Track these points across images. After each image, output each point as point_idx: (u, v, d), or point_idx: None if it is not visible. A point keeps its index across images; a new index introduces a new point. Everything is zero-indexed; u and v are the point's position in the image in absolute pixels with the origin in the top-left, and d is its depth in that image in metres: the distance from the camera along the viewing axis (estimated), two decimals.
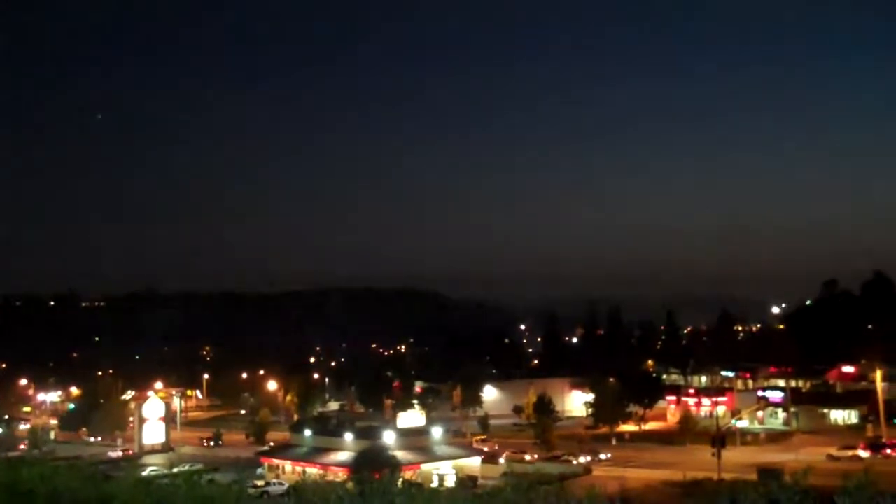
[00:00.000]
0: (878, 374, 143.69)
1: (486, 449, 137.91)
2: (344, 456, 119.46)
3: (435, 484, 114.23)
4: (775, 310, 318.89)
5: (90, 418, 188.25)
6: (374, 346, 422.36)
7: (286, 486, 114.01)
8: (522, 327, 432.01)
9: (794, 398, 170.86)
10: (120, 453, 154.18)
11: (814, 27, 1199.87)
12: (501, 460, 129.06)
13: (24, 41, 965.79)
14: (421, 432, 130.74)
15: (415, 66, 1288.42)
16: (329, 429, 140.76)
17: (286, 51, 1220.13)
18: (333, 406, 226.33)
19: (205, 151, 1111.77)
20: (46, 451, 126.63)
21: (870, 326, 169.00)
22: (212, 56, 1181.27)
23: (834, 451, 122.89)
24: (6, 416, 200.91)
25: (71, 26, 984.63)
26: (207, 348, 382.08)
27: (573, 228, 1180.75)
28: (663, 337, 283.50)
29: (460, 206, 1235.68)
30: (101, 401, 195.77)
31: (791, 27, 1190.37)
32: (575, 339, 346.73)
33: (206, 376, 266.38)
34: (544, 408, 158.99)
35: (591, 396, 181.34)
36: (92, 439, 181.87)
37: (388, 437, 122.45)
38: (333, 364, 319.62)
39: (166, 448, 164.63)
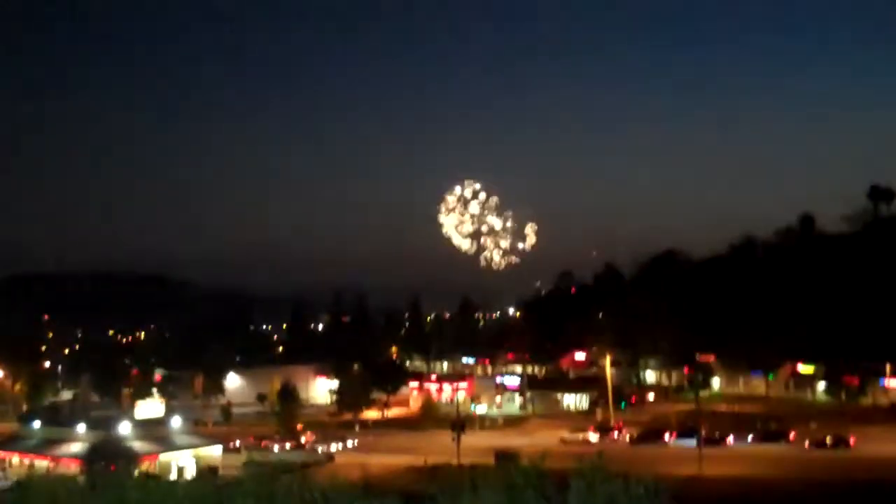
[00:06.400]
0: (608, 361, 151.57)
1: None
2: (77, 447, 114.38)
3: (174, 475, 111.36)
4: (514, 299, 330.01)
5: None
6: (111, 332, 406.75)
7: (12, 480, 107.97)
8: (270, 315, 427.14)
9: (529, 384, 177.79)
10: None
11: None
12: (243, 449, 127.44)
13: None
14: (159, 422, 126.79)
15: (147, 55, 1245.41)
16: (60, 419, 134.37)
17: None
18: (67, 395, 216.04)
19: None
20: None
21: (601, 315, 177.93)
22: None
23: (566, 435, 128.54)
24: None
25: None
26: None
27: (328, 215, 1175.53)
28: (408, 324, 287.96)
29: (216, 194, 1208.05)
30: None
31: None
32: (321, 327, 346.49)
33: None
34: (288, 395, 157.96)
35: (335, 383, 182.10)
36: None
37: (124, 428, 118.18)
38: (67, 351, 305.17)
39: None
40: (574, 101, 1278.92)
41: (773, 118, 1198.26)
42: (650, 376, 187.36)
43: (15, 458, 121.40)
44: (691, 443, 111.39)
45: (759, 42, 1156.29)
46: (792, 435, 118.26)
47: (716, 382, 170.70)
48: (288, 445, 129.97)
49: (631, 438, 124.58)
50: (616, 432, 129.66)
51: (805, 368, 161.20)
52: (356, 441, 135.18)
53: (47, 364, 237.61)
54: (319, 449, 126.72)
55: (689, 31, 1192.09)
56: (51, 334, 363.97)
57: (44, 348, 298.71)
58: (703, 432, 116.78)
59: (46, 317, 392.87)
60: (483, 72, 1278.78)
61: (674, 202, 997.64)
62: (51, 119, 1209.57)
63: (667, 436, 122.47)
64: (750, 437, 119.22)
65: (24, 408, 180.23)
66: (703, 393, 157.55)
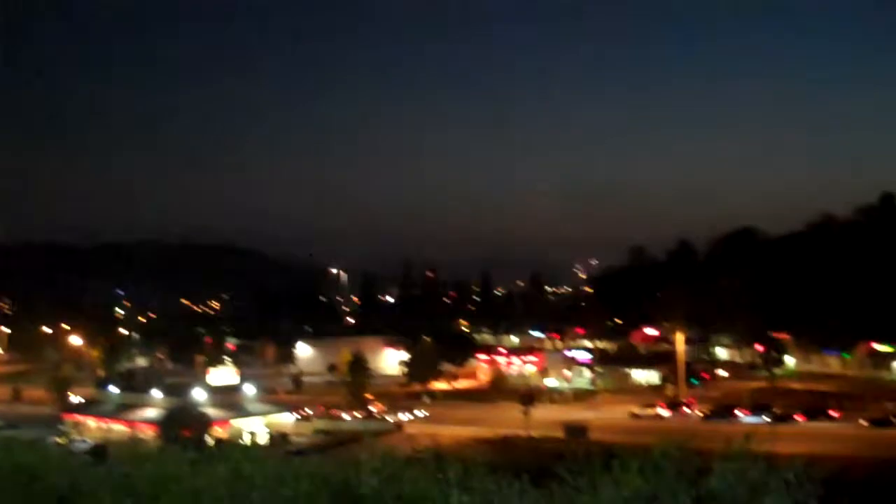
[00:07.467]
0: (679, 337, 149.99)
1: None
2: (152, 413, 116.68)
3: (246, 440, 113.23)
4: (584, 274, 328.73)
5: None
6: (186, 301, 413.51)
7: (90, 443, 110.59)
8: (341, 284, 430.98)
9: (599, 359, 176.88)
10: None
11: None
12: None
13: None
14: (232, 389, 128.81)
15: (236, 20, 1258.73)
16: (136, 385, 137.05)
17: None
18: (143, 362, 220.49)
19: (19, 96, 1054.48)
20: None
21: (673, 292, 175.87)
22: None
23: (636, 410, 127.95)
24: None
25: None
26: (8, 301, 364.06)
27: (394, 187, 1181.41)
28: (477, 297, 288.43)
29: (285, 163, 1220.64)
30: None
31: None
32: (391, 299, 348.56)
33: (6, 330, 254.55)
34: (358, 366, 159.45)
35: (405, 355, 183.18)
36: None
37: (199, 394, 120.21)
38: (144, 319, 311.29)
39: None
40: (655, 80, 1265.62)
41: (851, 96, 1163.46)
42: (722, 353, 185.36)
43: (91, 422, 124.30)
44: (763, 420, 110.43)
45: (842, 26, 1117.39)
46: (838, 413, 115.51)
47: (790, 360, 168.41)
48: (358, 415, 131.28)
49: (702, 414, 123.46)
50: (687, 408, 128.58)
51: (882, 347, 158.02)
52: (425, 412, 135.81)
53: (123, 331, 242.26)
54: (389, 419, 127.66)
55: (772, 23, 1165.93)
56: (126, 303, 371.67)
57: (120, 316, 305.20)
58: (776, 409, 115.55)
59: (122, 291, 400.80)
60: (555, 49, 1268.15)
61: (750, 180, 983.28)
62: (128, 95, 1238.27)
63: (738, 412, 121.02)
64: (795, 414, 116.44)
65: (101, 374, 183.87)
66: (777, 370, 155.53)
